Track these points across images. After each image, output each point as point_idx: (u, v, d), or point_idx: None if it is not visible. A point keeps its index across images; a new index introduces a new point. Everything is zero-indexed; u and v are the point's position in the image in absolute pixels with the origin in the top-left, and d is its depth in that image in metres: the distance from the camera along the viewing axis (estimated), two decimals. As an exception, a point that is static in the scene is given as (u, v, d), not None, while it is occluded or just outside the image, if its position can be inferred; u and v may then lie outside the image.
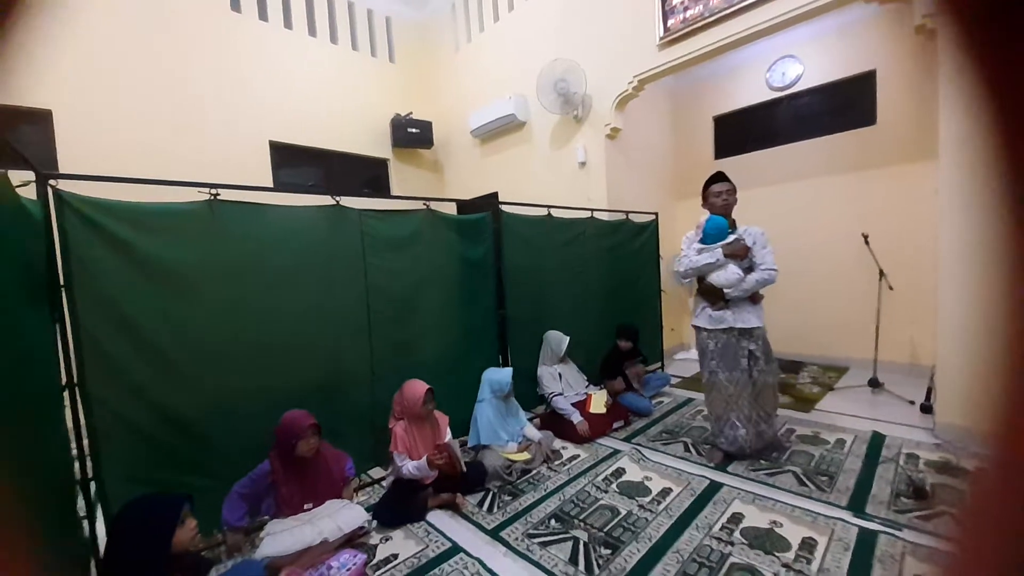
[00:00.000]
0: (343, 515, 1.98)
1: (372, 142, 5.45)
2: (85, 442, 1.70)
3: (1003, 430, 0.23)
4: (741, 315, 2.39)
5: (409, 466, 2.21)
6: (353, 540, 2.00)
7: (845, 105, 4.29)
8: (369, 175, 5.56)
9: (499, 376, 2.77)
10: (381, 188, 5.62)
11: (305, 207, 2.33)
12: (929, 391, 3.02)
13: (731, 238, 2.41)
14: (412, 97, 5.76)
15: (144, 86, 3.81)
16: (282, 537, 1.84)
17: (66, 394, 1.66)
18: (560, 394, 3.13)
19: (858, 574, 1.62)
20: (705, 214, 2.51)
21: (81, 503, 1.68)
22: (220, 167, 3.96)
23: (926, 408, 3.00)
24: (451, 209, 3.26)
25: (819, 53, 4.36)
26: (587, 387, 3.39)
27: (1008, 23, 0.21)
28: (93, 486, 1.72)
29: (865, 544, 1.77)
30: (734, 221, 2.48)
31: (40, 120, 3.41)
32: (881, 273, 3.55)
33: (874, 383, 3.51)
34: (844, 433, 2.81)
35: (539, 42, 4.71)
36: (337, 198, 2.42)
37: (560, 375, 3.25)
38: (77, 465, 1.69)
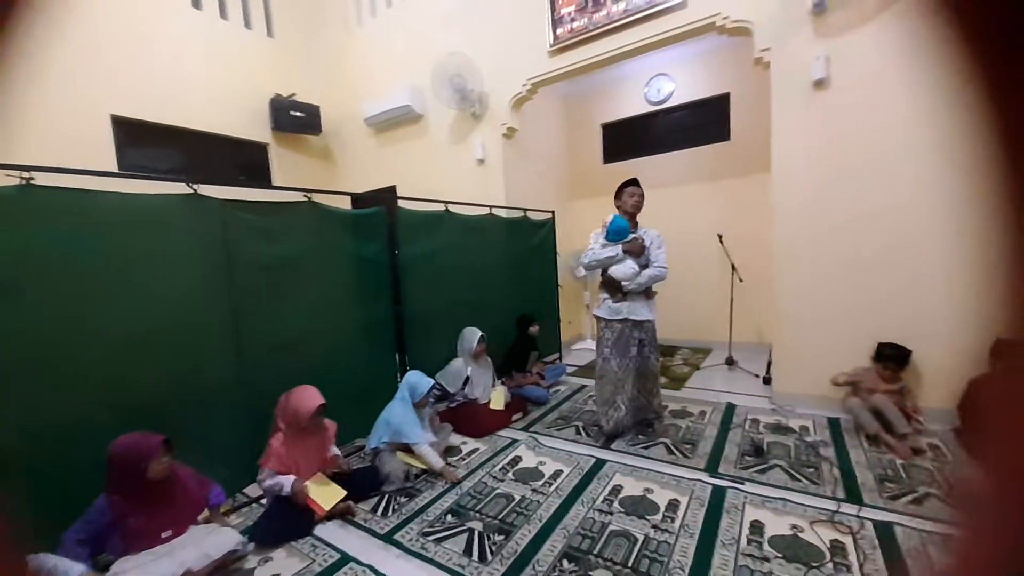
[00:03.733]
0: (210, 540, 1.77)
1: (248, 124, 4.87)
2: None
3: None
4: (635, 308, 2.68)
5: (278, 485, 2.04)
6: (226, 567, 1.80)
7: (707, 121, 4.92)
8: (244, 160, 4.96)
9: (418, 381, 2.66)
10: (260, 176, 5.07)
11: (150, 195, 2.00)
12: (768, 365, 3.62)
13: (630, 237, 2.67)
14: (295, 78, 5.26)
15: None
16: (132, 575, 1.58)
17: None
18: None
19: (710, 525, 1.88)
20: (611, 212, 2.75)
21: None
22: (52, 144, 3.24)
23: (766, 380, 3.59)
24: (345, 202, 3.06)
25: (687, 74, 4.95)
26: (494, 387, 3.41)
27: (1007, 25, 0.21)
28: None
29: (716, 499, 2.07)
30: (637, 222, 2.77)
31: None
32: (733, 267, 4.16)
33: (730, 361, 4.11)
34: (706, 406, 3.24)
35: (435, 35, 4.62)
36: (194, 186, 2.13)
37: (468, 378, 3.22)
38: None
